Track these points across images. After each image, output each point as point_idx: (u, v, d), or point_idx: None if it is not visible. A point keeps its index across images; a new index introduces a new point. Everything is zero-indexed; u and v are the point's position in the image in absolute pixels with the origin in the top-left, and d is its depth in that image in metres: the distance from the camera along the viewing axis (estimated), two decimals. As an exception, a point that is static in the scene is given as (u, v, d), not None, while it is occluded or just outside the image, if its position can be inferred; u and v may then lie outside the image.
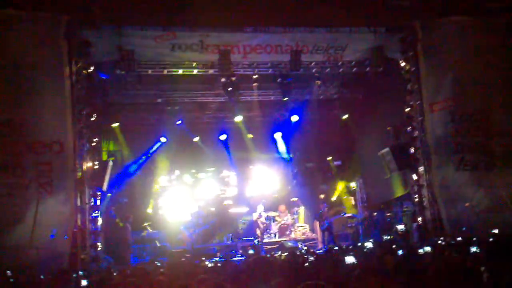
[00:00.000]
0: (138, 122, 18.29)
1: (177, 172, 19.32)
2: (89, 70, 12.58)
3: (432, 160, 13.19)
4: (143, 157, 18.48)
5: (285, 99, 16.28)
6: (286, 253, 12.18)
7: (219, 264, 10.50)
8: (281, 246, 16.05)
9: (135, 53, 12.72)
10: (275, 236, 17.88)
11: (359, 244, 13.49)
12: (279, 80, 15.15)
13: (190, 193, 19.18)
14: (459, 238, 10.14)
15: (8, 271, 8.78)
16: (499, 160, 12.96)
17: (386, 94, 15.85)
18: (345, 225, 17.54)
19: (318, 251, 14.25)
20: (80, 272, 9.32)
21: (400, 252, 8.28)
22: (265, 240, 17.27)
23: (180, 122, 17.88)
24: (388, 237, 14.44)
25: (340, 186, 20.18)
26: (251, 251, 15.11)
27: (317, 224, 18.21)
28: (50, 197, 11.10)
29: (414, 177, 13.74)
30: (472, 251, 7.03)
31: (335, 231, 17.39)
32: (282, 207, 18.65)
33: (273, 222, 18.21)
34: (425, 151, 13.35)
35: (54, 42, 11.52)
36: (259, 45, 13.48)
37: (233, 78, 13.96)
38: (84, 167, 12.05)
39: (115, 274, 9.12)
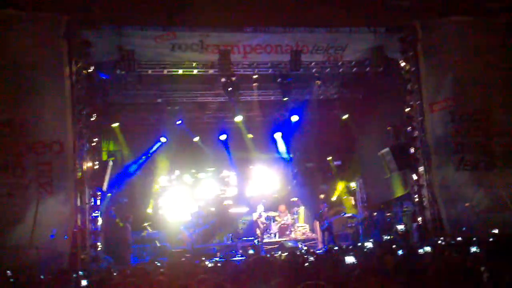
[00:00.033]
0: (138, 122, 18.29)
1: (177, 172, 19.32)
2: (89, 70, 12.57)
3: (432, 160, 13.18)
4: (143, 157, 18.47)
5: (285, 99, 16.28)
6: (286, 253, 12.18)
7: (219, 264, 10.50)
8: (281, 246, 16.04)
9: (135, 53, 12.71)
10: (275, 236, 17.87)
11: (359, 244, 13.48)
12: (279, 80, 15.14)
13: (190, 193, 19.18)
14: (459, 238, 10.13)
15: (8, 271, 8.78)
16: (499, 160, 12.97)
17: (386, 94, 15.85)
18: (345, 225, 17.54)
19: (318, 251, 14.25)
20: (80, 272, 9.32)
21: (400, 252, 8.28)
22: (265, 240, 17.26)
23: (180, 122, 17.87)
24: (388, 237, 14.43)
25: (340, 186, 20.18)
26: (251, 251, 15.11)
27: (317, 224, 18.20)
28: (50, 197, 11.11)
29: (414, 177, 13.73)
30: (472, 251, 7.03)
31: (335, 231, 17.39)
32: (282, 207, 18.65)
33: (273, 222, 18.20)
34: (425, 151, 13.35)
35: (54, 42, 11.52)
36: (259, 45, 13.48)
37: (233, 78, 13.95)
38: (84, 167, 12.05)
39: (115, 274, 9.12)
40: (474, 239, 8.69)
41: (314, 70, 14.70)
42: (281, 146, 19.53)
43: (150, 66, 13.68)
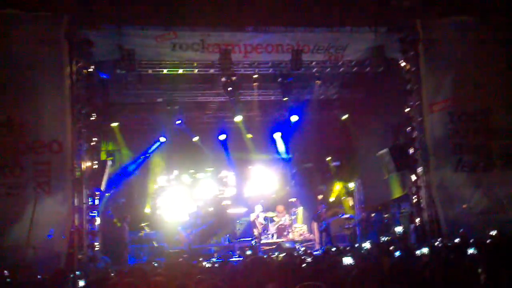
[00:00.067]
0: (138, 122, 18.28)
1: (175, 172, 19.32)
2: (89, 70, 12.56)
3: (430, 161, 13.16)
4: (142, 156, 18.47)
5: (285, 99, 16.28)
6: (283, 254, 12.16)
7: (216, 265, 10.49)
8: (278, 247, 16.03)
9: (135, 53, 12.70)
10: (272, 236, 17.85)
11: (357, 245, 13.47)
12: (279, 79, 15.15)
13: (188, 193, 19.18)
14: (456, 240, 10.13)
15: (5, 271, 8.76)
16: (497, 161, 12.96)
17: (386, 94, 15.82)
18: (342, 226, 17.52)
19: (315, 252, 14.24)
20: (77, 272, 9.29)
21: (397, 253, 8.27)
22: (263, 241, 17.24)
23: (179, 122, 17.87)
24: (386, 239, 14.41)
25: (339, 186, 20.17)
26: (248, 252, 15.10)
27: (314, 225, 18.18)
28: (48, 196, 11.10)
29: (413, 178, 13.72)
30: (469, 252, 7.03)
31: (332, 232, 17.38)
32: (280, 208, 18.61)
33: (271, 222, 18.17)
34: (424, 152, 13.33)
35: (54, 41, 11.50)
36: (260, 45, 13.47)
37: (234, 78, 13.95)
38: (83, 167, 12.01)
39: (112, 274, 9.10)
40: (472, 240, 8.68)
41: (314, 70, 14.71)
42: (281, 146, 19.53)
43: (150, 66, 13.66)
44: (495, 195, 12.51)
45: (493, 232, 10.21)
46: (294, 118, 17.87)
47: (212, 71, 14.00)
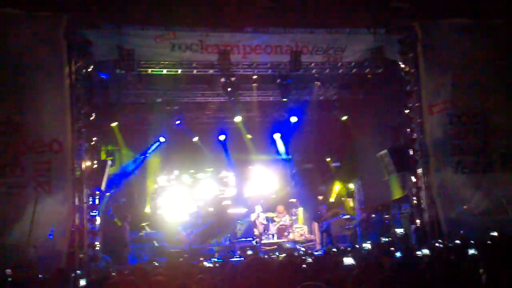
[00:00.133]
0: (138, 122, 18.27)
1: (176, 172, 19.33)
2: (89, 70, 12.55)
3: (430, 162, 13.17)
4: (142, 156, 18.47)
5: (285, 100, 16.29)
6: (284, 254, 12.17)
7: (217, 265, 10.50)
8: (279, 247, 16.04)
9: (135, 53, 12.69)
10: (273, 237, 17.87)
11: (357, 245, 13.49)
12: (278, 80, 15.14)
13: (188, 193, 19.19)
14: (457, 241, 10.15)
15: (8, 270, 8.77)
16: (497, 162, 12.98)
17: (385, 96, 15.85)
18: (343, 226, 17.55)
19: (316, 253, 14.26)
20: (78, 272, 9.31)
21: (398, 254, 8.29)
22: (263, 241, 17.26)
23: (179, 122, 17.86)
24: (386, 239, 14.43)
25: (339, 187, 20.18)
26: (249, 252, 15.10)
27: (315, 225, 18.20)
28: (49, 196, 11.10)
29: (413, 179, 13.73)
30: (470, 253, 7.04)
31: (333, 232, 17.40)
32: (281, 208, 18.64)
33: (272, 223, 18.19)
34: (424, 153, 13.34)
35: (54, 41, 11.49)
36: (259, 46, 13.47)
37: (233, 78, 13.96)
38: (83, 166, 12.03)
39: (113, 273, 9.11)
40: (472, 241, 8.69)
41: (313, 71, 14.71)
42: (280, 147, 19.54)
43: (150, 66, 13.66)
44: (495, 196, 12.51)
45: (494, 233, 10.24)
46: (293, 119, 17.90)
47: (211, 71, 14.00)
